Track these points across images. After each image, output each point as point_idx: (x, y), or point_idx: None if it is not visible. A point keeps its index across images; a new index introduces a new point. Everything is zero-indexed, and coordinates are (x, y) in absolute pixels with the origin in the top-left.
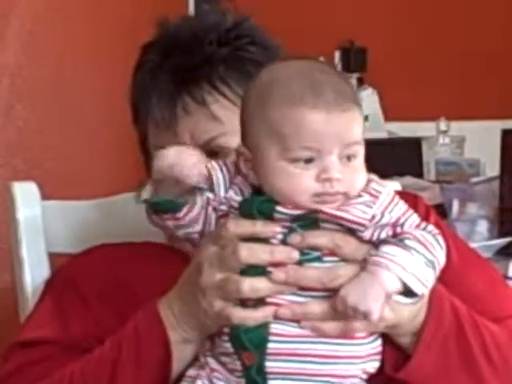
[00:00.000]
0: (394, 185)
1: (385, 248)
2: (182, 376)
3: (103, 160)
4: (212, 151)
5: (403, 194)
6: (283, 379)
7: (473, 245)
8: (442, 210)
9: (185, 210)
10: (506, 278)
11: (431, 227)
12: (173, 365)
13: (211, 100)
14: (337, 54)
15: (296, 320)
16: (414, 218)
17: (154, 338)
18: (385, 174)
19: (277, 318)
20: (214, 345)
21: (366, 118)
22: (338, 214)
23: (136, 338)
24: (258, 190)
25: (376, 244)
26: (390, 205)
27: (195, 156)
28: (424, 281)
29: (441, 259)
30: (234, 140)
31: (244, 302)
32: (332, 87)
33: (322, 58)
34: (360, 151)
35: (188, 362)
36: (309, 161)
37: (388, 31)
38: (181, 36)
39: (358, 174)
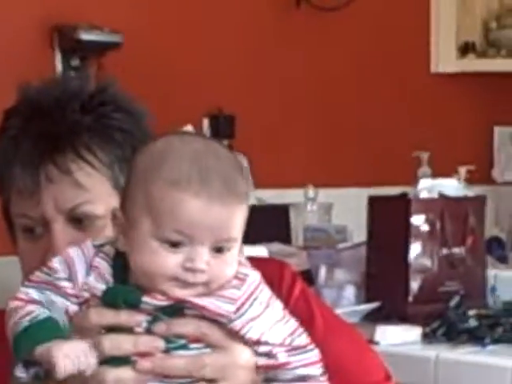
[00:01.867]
0: (260, 250)
1: None
2: None
3: None
4: (76, 218)
5: (270, 262)
6: None
7: (340, 310)
8: (309, 276)
9: None
10: (373, 342)
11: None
12: None
13: (75, 168)
14: (205, 121)
15: None
16: (278, 308)
17: None
18: (253, 240)
19: None
20: None
21: None
22: (203, 304)
23: None
24: (120, 268)
25: (243, 339)
26: (255, 291)
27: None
28: None
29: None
30: (98, 207)
31: None
32: (220, 177)
33: (190, 126)
34: (235, 246)
35: None
36: (177, 245)
37: (255, 98)
38: (43, 102)
39: (226, 266)
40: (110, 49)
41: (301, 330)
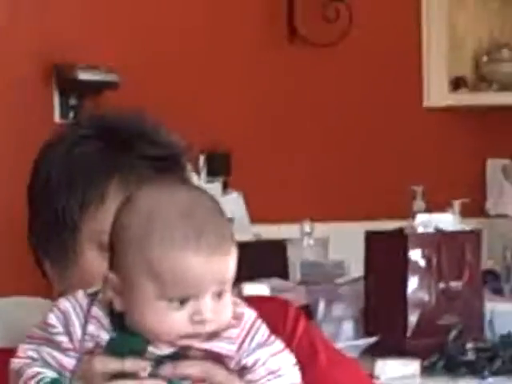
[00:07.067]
0: (261, 288)
1: None
2: None
3: None
4: None
5: (273, 301)
6: None
7: (339, 345)
8: (308, 311)
9: None
10: (372, 377)
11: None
12: None
13: None
14: (201, 158)
15: None
16: (275, 347)
17: None
18: (250, 276)
19: None
20: None
21: (231, 221)
22: (207, 348)
23: None
24: (116, 316)
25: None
26: (253, 326)
27: None
28: None
29: None
30: None
31: None
32: (214, 228)
33: (187, 164)
34: (230, 286)
35: None
36: (184, 301)
37: (250, 135)
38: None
39: (227, 309)
40: (107, 88)
41: (297, 367)
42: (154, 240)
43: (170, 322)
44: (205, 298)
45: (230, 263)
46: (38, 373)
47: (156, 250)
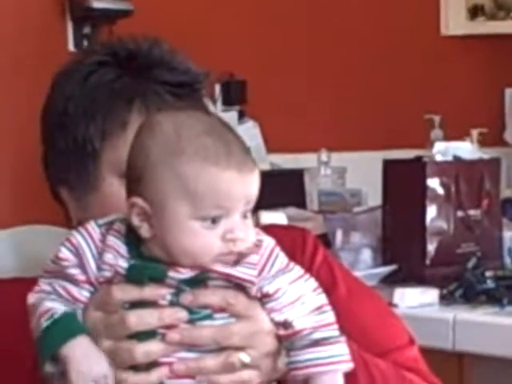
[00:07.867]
0: (279, 217)
1: (304, 356)
2: None
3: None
4: None
5: (291, 230)
6: None
7: (357, 273)
8: (325, 240)
9: None
10: (391, 305)
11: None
12: None
13: None
14: (217, 87)
15: (190, 376)
16: (295, 273)
17: None
18: (268, 205)
19: (171, 376)
20: None
21: None
22: (230, 272)
23: None
24: (133, 244)
25: (259, 298)
26: (272, 253)
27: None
28: (348, 356)
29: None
30: None
31: (135, 365)
32: (239, 147)
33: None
34: (252, 208)
35: None
36: (216, 220)
37: (267, 63)
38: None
39: (252, 231)
40: (121, 16)
41: (320, 289)
42: (185, 156)
43: (204, 241)
44: (235, 215)
45: (255, 180)
46: (50, 308)
47: (188, 165)
